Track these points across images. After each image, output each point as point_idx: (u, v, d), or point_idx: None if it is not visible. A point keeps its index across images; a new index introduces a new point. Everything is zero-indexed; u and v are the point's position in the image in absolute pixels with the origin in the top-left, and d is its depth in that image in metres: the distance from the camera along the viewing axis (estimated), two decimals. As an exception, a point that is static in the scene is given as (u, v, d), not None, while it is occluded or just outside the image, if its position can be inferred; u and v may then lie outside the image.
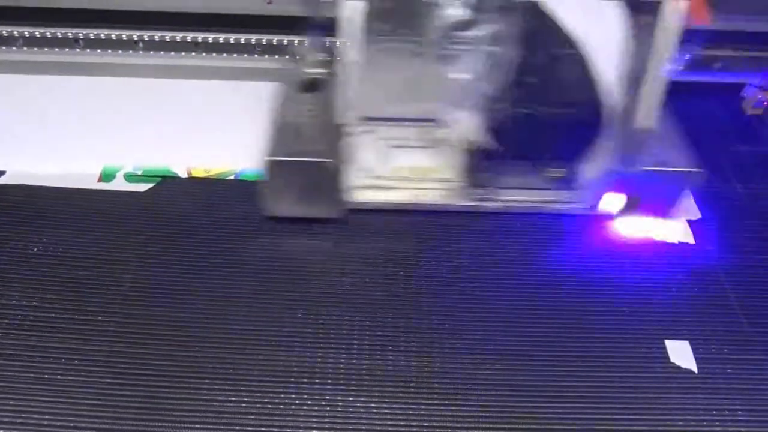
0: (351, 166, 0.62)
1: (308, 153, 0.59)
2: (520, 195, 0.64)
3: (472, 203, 0.64)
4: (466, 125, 0.59)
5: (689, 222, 0.65)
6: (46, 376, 0.50)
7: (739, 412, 0.51)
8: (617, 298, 0.58)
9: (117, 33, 0.75)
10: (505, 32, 0.55)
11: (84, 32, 0.75)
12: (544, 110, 0.58)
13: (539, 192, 0.64)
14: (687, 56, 0.75)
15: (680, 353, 0.54)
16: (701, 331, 0.56)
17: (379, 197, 0.64)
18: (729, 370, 0.54)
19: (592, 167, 0.62)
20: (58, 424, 0.48)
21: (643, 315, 0.57)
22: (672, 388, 0.52)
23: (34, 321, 0.54)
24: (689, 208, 0.66)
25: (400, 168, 0.64)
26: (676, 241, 0.63)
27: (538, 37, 0.56)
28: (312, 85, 0.66)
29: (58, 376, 0.51)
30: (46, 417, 0.48)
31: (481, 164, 0.62)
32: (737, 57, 0.79)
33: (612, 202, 0.63)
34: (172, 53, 0.77)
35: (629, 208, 0.63)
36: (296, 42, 0.76)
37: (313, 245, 0.62)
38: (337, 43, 0.58)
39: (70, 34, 0.75)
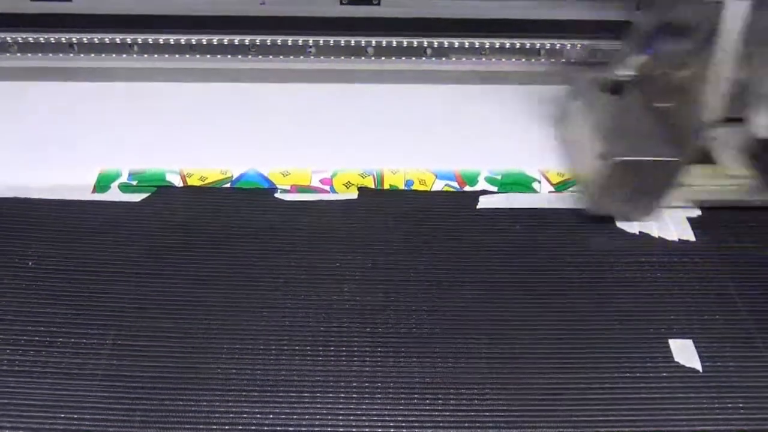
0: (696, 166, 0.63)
1: (658, 153, 0.59)
2: None
3: None
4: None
5: (689, 219, 0.64)
6: (44, 390, 0.50)
7: (743, 410, 0.51)
8: (620, 297, 0.58)
9: (110, 37, 0.75)
10: None
11: (77, 37, 0.74)
12: None
13: None
14: None
15: (684, 352, 0.54)
16: (704, 329, 0.56)
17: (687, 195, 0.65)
18: (733, 369, 0.53)
19: None
20: (57, 440, 0.48)
21: (647, 314, 0.57)
22: (676, 388, 0.52)
23: (30, 335, 0.54)
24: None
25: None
26: (676, 239, 0.63)
27: None
28: (618, 88, 0.66)
29: (56, 391, 0.50)
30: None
31: None
32: None
33: None
34: (166, 56, 0.76)
35: None
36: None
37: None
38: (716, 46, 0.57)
39: (63, 38, 0.74)
